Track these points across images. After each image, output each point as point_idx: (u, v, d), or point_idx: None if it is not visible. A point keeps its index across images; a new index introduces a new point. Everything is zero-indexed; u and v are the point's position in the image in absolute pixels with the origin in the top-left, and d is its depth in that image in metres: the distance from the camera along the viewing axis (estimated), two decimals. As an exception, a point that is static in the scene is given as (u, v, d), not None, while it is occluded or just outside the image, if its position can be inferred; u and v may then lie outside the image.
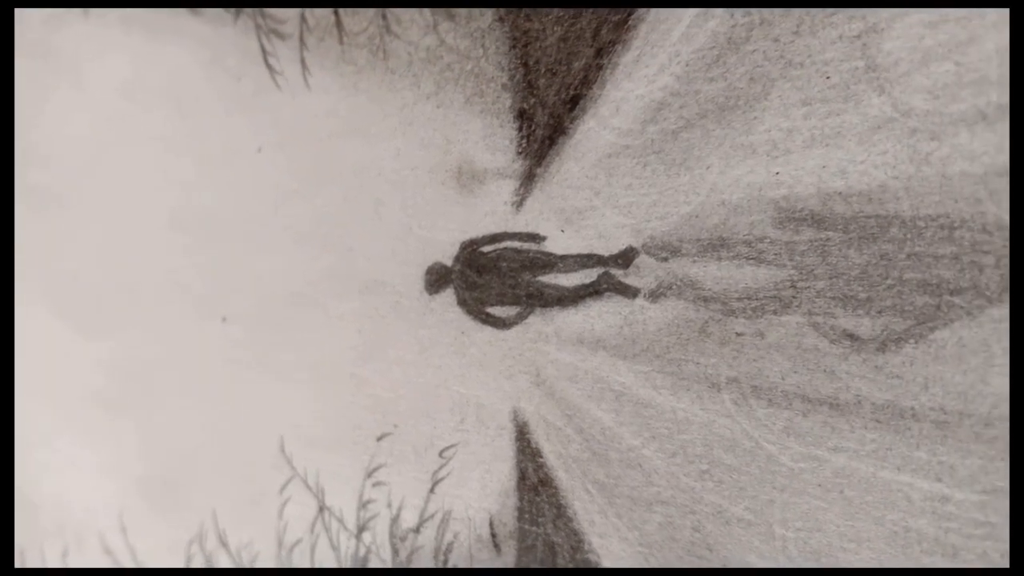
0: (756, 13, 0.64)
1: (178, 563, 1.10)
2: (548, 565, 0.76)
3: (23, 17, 1.30)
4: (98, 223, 1.16)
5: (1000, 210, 0.55)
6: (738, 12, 0.64)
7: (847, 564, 0.61)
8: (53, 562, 1.32)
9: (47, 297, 1.24)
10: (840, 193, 0.60)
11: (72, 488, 1.23)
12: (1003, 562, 0.56)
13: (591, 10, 0.72)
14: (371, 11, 0.88)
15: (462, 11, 0.81)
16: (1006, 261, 0.54)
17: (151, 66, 1.10)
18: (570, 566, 0.75)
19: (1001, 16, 0.55)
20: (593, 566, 0.74)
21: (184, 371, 1.07)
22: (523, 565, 0.78)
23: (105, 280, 1.15)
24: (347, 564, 0.91)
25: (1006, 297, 0.55)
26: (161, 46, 1.08)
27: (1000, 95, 0.54)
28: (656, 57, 0.69)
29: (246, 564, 1.02)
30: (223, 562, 1.05)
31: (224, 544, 1.04)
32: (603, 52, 0.72)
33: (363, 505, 0.90)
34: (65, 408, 1.22)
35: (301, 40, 0.94)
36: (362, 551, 0.90)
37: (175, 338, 1.07)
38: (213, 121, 1.03)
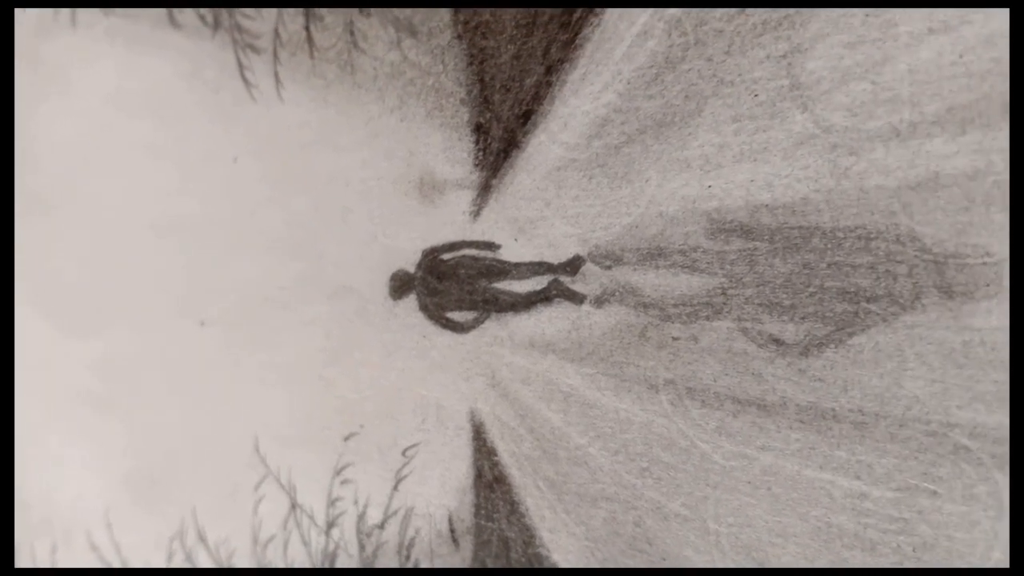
0: (691, 34, 0.67)
1: (161, 559, 1.13)
2: (503, 559, 0.79)
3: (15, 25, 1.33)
4: (85, 226, 1.20)
5: (913, 222, 0.58)
6: (675, 32, 0.67)
7: (775, 559, 0.65)
8: (43, 559, 1.35)
9: (36, 298, 1.28)
10: (767, 205, 0.64)
11: (60, 485, 1.27)
12: (915, 556, 0.59)
13: (542, 30, 0.76)
14: (340, 27, 0.92)
15: (423, 28, 0.84)
16: (918, 270, 0.58)
17: (135, 77, 1.14)
18: (523, 560, 0.78)
19: (913, 37, 0.58)
20: (544, 560, 0.77)
21: (165, 371, 1.10)
22: (479, 559, 0.81)
23: (91, 282, 1.19)
24: (317, 560, 0.95)
25: (918, 304, 0.58)
26: (144, 58, 1.12)
27: (911, 113, 0.58)
28: (600, 75, 0.72)
29: (224, 560, 1.05)
30: (202, 558, 1.08)
31: (203, 540, 1.08)
32: (552, 70, 0.75)
33: (332, 502, 0.94)
34: (53, 406, 1.26)
35: (275, 55, 0.98)
36: (331, 547, 0.94)
37: (157, 339, 1.11)
38: (193, 130, 1.07)
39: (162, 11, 1.10)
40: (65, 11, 1.24)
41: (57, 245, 1.23)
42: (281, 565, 0.99)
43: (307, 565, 0.97)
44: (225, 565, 1.05)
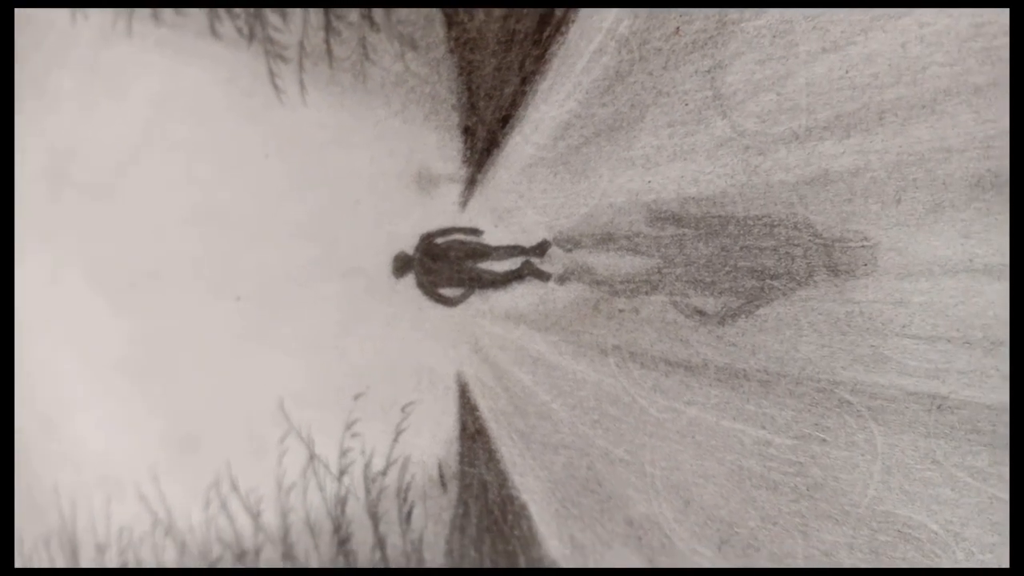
0: (637, 51, 0.79)
1: (199, 506, 1.29)
2: (482, 499, 0.92)
3: (75, 36, 1.50)
4: (132, 214, 1.36)
5: (807, 212, 0.69)
6: (623, 50, 0.79)
7: (700, 498, 0.76)
8: (100, 510, 1.53)
9: (89, 277, 1.44)
10: (693, 198, 0.75)
11: (111, 445, 1.44)
12: (808, 494, 0.70)
13: (518, 46, 0.88)
14: (354, 41, 1.05)
15: (423, 43, 0.97)
16: (811, 252, 0.69)
17: (179, 83, 1.29)
18: (498, 499, 0.91)
19: (810, 55, 0.69)
20: (515, 499, 0.90)
21: (201, 343, 1.26)
22: (463, 500, 0.94)
23: (139, 263, 1.35)
24: (331, 504, 1.09)
25: (811, 281, 0.69)
26: (187, 66, 1.27)
27: (808, 119, 0.69)
28: (564, 86, 0.84)
29: (253, 506, 1.20)
30: (235, 504, 1.24)
31: (236, 489, 1.23)
32: (526, 80, 0.88)
33: (343, 453, 1.08)
34: (103, 375, 1.43)
35: (300, 64, 1.12)
36: (342, 491, 1.08)
37: (195, 314, 1.26)
38: (228, 130, 1.21)
39: (204, 23, 1.25)
40: (123, 22, 1.40)
41: (110, 231, 1.39)
42: (301, 509, 1.14)
43: (322, 509, 1.11)
44: (254, 511, 1.20)
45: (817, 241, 0.68)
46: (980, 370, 0.61)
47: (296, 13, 1.11)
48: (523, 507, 0.90)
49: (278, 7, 1.09)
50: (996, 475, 0.61)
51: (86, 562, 1.57)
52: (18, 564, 1.76)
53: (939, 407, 0.63)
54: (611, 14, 0.80)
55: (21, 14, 1.64)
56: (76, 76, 1.51)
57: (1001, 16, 0.60)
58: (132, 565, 1.44)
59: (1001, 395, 0.60)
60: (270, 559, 1.18)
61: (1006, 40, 0.60)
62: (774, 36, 0.70)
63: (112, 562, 1.49)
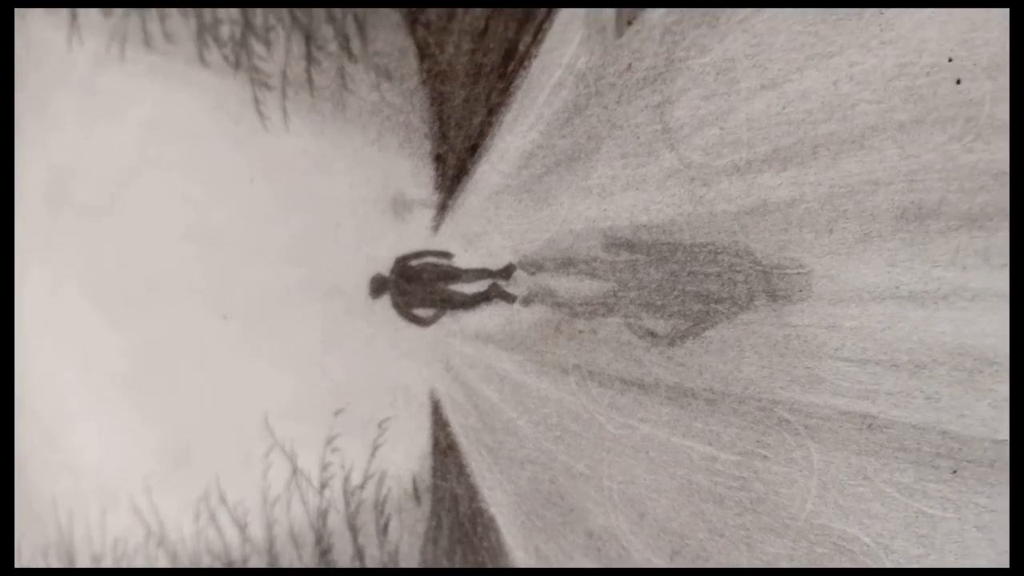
0: (593, 86, 0.83)
1: (190, 517, 1.33)
2: (453, 512, 0.96)
3: (72, 60, 1.56)
4: (129, 232, 1.41)
5: (748, 240, 0.73)
6: (580, 84, 0.84)
7: (654, 511, 0.80)
8: (95, 521, 1.57)
9: (88, 293, 1.49)
10: (645, 225, 0.79)
11: (108, 457, 1.48)
12: (751, 508, 0.74)
13: (485, 79, 0.92)
14: (333, 71, 1.10)
15: (397, 74, 1.02)
16: (751, 278, 0.73)
17: (170, 107, 1.34)
18: (468, 512, 0.95)
19: (750, 92, 0.73)
20: (484, 512, 0.94)
21: (192, 358, 1.30)
22: (436, 512, 0.98)
23: (132, 280, 1.40)
24: (313, 516, 1.13)
25: (752, 305, 0.73)
26: (177, 92, 1.32)
27: (748, 153, 0.73)
28: (527, 117, 0.89)
29: (240, 518, 1.25)
30: (223, 516, 1.28)
31: (224, 501, 1.27)
32: (493, 111, 0.92)
33: (324, 467, 1.12)
34: (100, 388, 1.47)
35: (283, 92, 1.16)
36: (323, 504, 1.12)
37: (185, 331, 1.31)
38: (217, 154, 1.26)
39: (193, 50, 1.30)
40: (116, 48, 1.45)
41: (105, 248, 1.44)
42: (285, 521, 1.18)
43: (305, 521, 1.15)
44: (242, 522, 1.24)
45: (757, 268, 0.72)
46: (906, 391, 0.65)
47: (279, 43, 1.16)
48: (491, 519, 0.93)
49: (264, 7, 1.13)
50: (921, 491, 0.65)
51: (83, 572, 1.61)
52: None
53: (869, 426, 0.67)
54: (569, 50, 0.85)
55: (22, 37, 1.70)
56: (75, 98, 1.56)
57: (922, 56, 0.64)
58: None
59: (925, 415, 0.64)
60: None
61: (927, 79, 0.64)
62: (717, 73, 0.74)
63: (107, 572, 1.54)
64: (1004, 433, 0.61)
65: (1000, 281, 0.60)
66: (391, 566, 1.02)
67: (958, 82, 0.62)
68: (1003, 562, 0.62)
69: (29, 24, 1.67)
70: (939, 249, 0.63)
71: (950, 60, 0.62)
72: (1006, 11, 0.61)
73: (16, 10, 1.74)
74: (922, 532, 0.65)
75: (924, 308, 0.64)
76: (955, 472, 0.63)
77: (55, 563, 1.69)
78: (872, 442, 0.67)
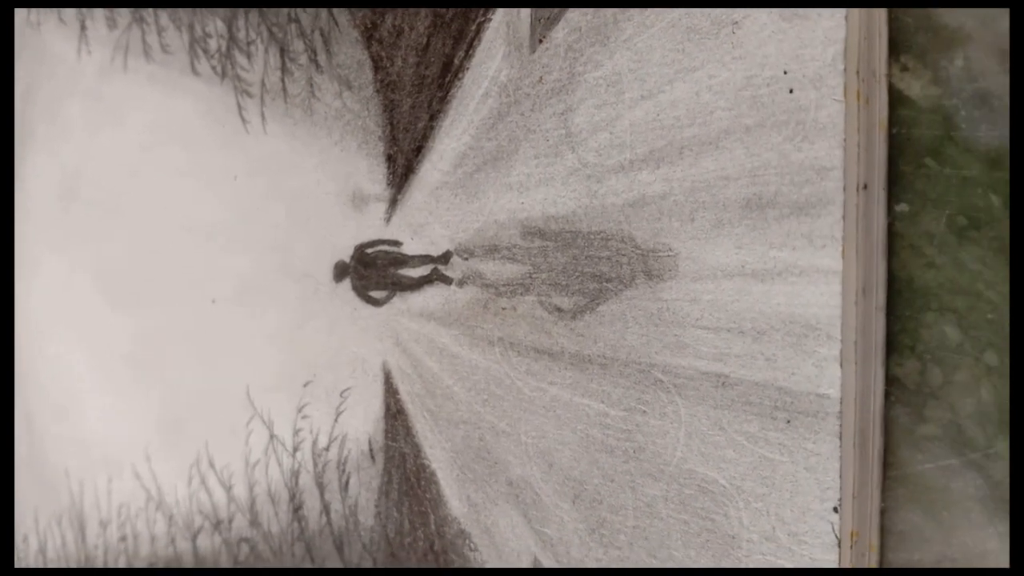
0: (512, 95, 0.96)
1: (184, 482, 1.48)
2: (401, 468, 1.10)
3: (80, 69, 1.71)
4: (130, 226, 1.56)
5: (631, 228, 0.86)
6: (503, 94, 0.97)
7: (560, 461, 0.93)
8: (103, 488, 1.72)
9: (97, 282, 1.64)
10: (553, 216, 0.92)
11: (112, 430, 1.64)
12: (635, 456, 0.87)
13: (427, 88, 1.06)
14: (304, 80, 1.23)
15: (356, 83, 1.15)
16: (633, 260, 0.85)
17: (168, 113, 1.48)
18: (414, 467, 1.08)
19: (633, 101, 0.86)
20: (426, 468, 1.07)
21: (186, 339, 1.45)
22: (387, 469, 1.12)
23: (134, 269, 1.55)
24: (287, 476, 1.27)
25: (634, 283, 0.86)
26: (174, 99, 1.46)
27: (631, 154, 0.86)
28: (461, 123, 1.02)
29: (226, 481, 1.39)
30: (212, 480, 1.42)
31: (212, 466, 1.42)
32: (434, 117, 1.05)
33: (296, 433, 1.26)
34: (106, 367, 1.62)
35: (262, 99, 1.30)
36: (296, 466, 1.26)
37: (180, 314, 1.45)
38: (206, 155, 1.40)
39: (187, 61, 1.45)
40: (119, 58, 1.59)
41: (111, 240, 1.59)
42: (264, 482, 1.32)
43: (280, 481, 1.29)
44: (227, 485, 1.39)
45: (637, 251, 0.85)
46: (750, 354, 0.78)
47: (258, 55, 1.30)
48: (432, 473, 1.07)
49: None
50: (764, 439, 0.77)
51: (92, 536, 1.77)
52: (33, 540, 1.97)
53: (723, 384, 0.79)
54: (494, 64, 0.98)
55: (37, 49, 1.85)
56: (82, 105, 1.71)
57: (764, 70, 0.77)
58: (129, 537, 1.64)
59: (765, 374, 0.77)
60: (240, 526, 1.37)
61: (768, 89, 0.76)
62: (608, 85, 0.87)
63: (113, 535, 1.69)
64: (825, 388, 0.73)
65: (821, 259, 0.73)
66: (351, 517, 1.16)
67: (791, 91, 0.74)
68: (829, 498, 0.75)
69: (44, 36, 1.83)
70: (775, 233, 0.75)
71: (785, 73, 0.75)
72: (830, 27, 0.74)
73: (32, 21, 1.90)
74: (765, 474, 0.77)
75: (763, 283, 0.76)
76: (789, 422, 0.75)
77: (67, 529, 1.85)
78: (726, 398, 0.79)
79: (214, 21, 1.40)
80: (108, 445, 1.66)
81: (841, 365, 0.72)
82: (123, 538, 1.69)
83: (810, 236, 0.74)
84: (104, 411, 1.67)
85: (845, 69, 0.72)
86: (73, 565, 1.91)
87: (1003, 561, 0.72)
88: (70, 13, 1.79)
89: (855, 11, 0.72)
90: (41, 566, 2.03)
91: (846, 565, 0.75)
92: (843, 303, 0.72)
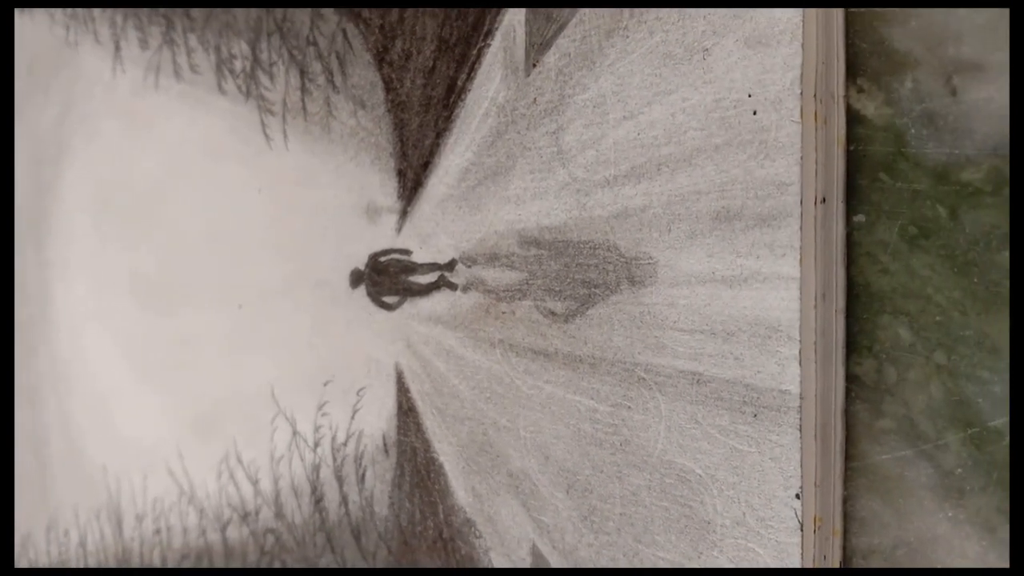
0: (510, 115, 1.04)
1: (214, 477, 1.57)
2: (412, 460, 1.18)
3: (115, 86, 1.81)
4: (162, 234, 1.66)
5: (616, 238, 0.93)
6: (501, 114, 1.04)
7: (555, 454, 1.01)
8: (139, 485, 1.83)
9: (131, 289, 1.75)
10: (547, 227, 1.00)
11: (148, 429, 1.74)
12: (621, 448, 0.94)
13: (434, 109, 1.14)
14: (322, 100, 1.32)
15: (369, 103, 1.24)
16: (618, 268, 0.93)
17: (196, 130, 1.58)
18: (423, 461, 1.17)
19: (617, 121, 0.93)
20: (434, 461, 1.15)
21: (215, 342, 1.54)
22: (399, 462, 1.20)
23: (167, 276, 1.65)
24: (308, 470, 1.36)
25: (619, 289, 0.93)
26: (201, 116, 1.56)
27: (615, 170, 0.93)
28: (464, 140, 1.10)
29: (253, 475, 1.48)
30: (240, 475, 1.52)
31: (240, 461, 1.51)
32: (439, 135, 1.13)
33: (316, 429, 1.35)
34: (141, 370, 1.73)
35: (283, 118, 1.39)
36: (316, 460, 1.35)
37: (210, 319, 1.55)
38: (232, 169, 1.50)
39: (213, 81, 1.54)
40: (152, 77, 1.70)
41: (142, 249, 1.69)
42: (287, 476, 1.41)
43: (303, 475, 1.38)
44: (254, 479, 1.48)
45: (621, 259, 0.92)
46: (721, 354, 0.85)
47: (280, 75, 1.39)
48: (441, 466, 1.15)
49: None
50: (734, 431, 0.84)
51: (128, 529, 1.87)
52: (73, 534, 2.08)
53: (698, 381, 0.86)
54: (493, 86, 1.06)
55: (73, 67, 1.97)
56: (117, 121, 1.82)
57: (731, 93, 0.84)
58: (163, 529, 1.74)
59: (734, 372, 0.84)
60: (266, 517, 1.46)
61: (735, 111, 0.83)
62: (594, 106, 0.94)
63: (148, 528, 1.79)
64: (787, 385, 0.80)
65: (782, 266, 0.80)
66: (367, 508, 1.25)
67: (754, 113, 0.81)
68: (792, 485, 0.81)
69: (81, 56, 1.94)
70: (741, 243, 0.83)
71: (749, 96, 0.82)
72: (788, 54, 0.80)
73: (70, 42, 2.02)
74: (736, 464, 0.84)
75: (732, 289, 0.83)
76: (755, 416, 0.82)
77: (105, 523, 1.96)
78: (700, 394, 0.86)
79: (239, 43, 1.49)
80: (143, 443, 1.76)
81: (800, 364, 0.79)
82: (157, 531, 1.79)
83: (772, 246, 0.81)
84: (139, 411, 1.77)
85: (802, 93, 0.79)
86: (111, 557, 2.01)
87: (954, 545, 0.78)
88: (105, 34, 1.90)
89: (812, 38, 0.79)
90: (81, 558, 2.14)
91: (809, 548, 0.82)
92: (802, 307, 0.79)
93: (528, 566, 1.04)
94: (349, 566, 1.29)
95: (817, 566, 0.81)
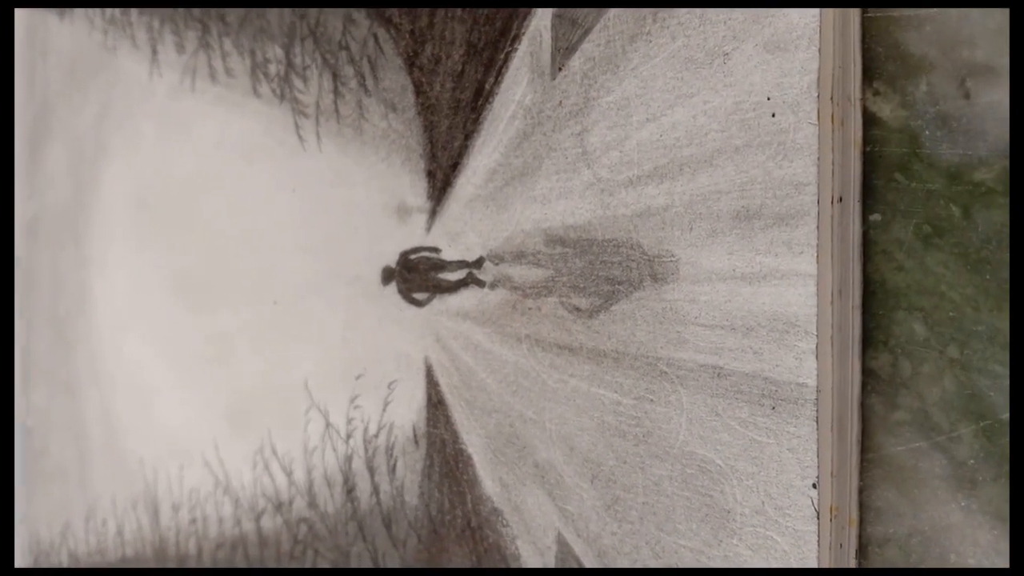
0: (536, 117, 1.07)
1: (249, 467, 1.63)
2: (442, 452, 1.22)
3: (152, 89, 1.87)
4: (198, 234, 1.71)
5: (639, 236, 0.96)
6: (528, 116, 1.08)
7: (579, 445, 1.04)
8: (175, 475, 1.89)
9: (169, 283, 1.81)
10: (572, 226, 1.04)
11: (184, 421, 1.80)
12: (644, 440, 0.97)
13: (463, 112, 1.18)
14: (354, 103, 1.37)
15: (400, 106, 1.28)
16: (641, 265, 0.96)
17: (231, 131, 1.63)
18: (452, 451, 1.21)
19: (640, 123, 0.96)
20: (463, 452, 1.19)
21: (251, 337, 1.60)
22: (429, 453, 1.24)
23: (203, 274, 1.70)
24: (341, 461, 1.40)
25: (642, 285, 0.96)
26: (237, 118, 1.61)
27: (638, 170, 0.96)
28: (491, 142, 1.13)
29: (287, 466, 1.53)
30: (275, 465, 1.57)
31: (275, 453, 1.56)
32: (468, 137, 1.17)
33: (349, 421, 1.39)
34: (180, 365, 1.79)
35: (317, 120, 1.44)
36: (348, 451, 1.39)
37: (246, 315, 1.60)
38: (266, 170, 1.55)
39: (248, 84, 1.59)
40: (188, 80, 1.75)
41: (180, 247, 1.75)
42: (320, 467, 1.46)
43: (335, 465, 1.43)
44: (288, 470, 1.53)
45: (644, 257, 0.95)
46: (741, 348, 0.88)
47: (313, 79, 1.44)
48: (469, 457, 1.19)
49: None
50: (753, 423, 0.87)
51: (165, 519, 1.94)
52: (111, 524, 2.15)
53: (718, 375, 0.89)
54: (520, 89, 1.09)
55: (112, 71, 2.03)
56: (154, 122, 1.88)
57: (751, 96, 0.87)
58: (199, 519, 1.80)
59: (754, 365, 0.87)
60: (299, 507, 1.51)
61: (754, 113, 0.86)
62: (618, 109, 0.98)
63: (184, 518, 1.85)
64: (804, 378, 0.83)
65: (799, 264, 0.82)
66: (398, 497, 1.29)
67: (773, 115, 0.84)
68: (808, 475, 0.84)
69: (119, 60, 2.01)
70: (760, 241, 0.85)
71: (768, 99, 0.85)
72: (806, 58, 0.83)
73: (108, 46, 2.08)
74: (755, 455, 0.87)
75: (751, 285, 0.86)
76: (774, 408, 0.85)
77: (143, 513, 2.02)
78: (720, 387, 0.89)
79: (273, 48, 1.54)
80: (180, 435, 1.82)
81: (818, 358, 0.82)
82: (193, 520, 1.85)
83: (790, 243, 0.84)
84: (176, 404, 1.83)
85: (819, 96, 0.81)
86: (148, 546, 2.08)
87: (967, 533, 0.81)
88: (143, 39, 1.96)
89: (828, 43, 0.82)
90: (119, 547, 2.21)
91: (826, 536, 0.85)
92: (819, 303, 0.82)
93: (553, 553, 1.08)
94: (380, 553, 1.34)
95: (833, 553, 0.84)
